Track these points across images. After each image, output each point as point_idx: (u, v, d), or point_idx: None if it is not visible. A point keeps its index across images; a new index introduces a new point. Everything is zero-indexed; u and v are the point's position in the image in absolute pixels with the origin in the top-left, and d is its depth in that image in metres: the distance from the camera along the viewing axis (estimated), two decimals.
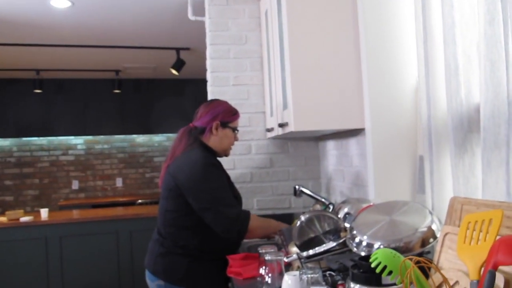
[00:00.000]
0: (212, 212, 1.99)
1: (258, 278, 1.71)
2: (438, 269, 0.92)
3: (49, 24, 4.25)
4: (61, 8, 3.82)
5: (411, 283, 0.92)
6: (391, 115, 2.10)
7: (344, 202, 2.00)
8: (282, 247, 1.94)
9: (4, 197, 6.69)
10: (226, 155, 2.28)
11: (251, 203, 2.95)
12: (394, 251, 1.02)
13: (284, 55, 2.27)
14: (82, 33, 4.59)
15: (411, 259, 0.94)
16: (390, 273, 0.99)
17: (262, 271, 1.69)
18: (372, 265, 1.01)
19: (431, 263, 0.97)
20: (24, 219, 4.31)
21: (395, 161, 2.10)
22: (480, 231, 1.00)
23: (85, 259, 4.39)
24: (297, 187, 2.37)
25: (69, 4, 3.72)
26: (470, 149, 1.64)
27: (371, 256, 1.03)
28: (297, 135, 2.63)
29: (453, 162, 1.67)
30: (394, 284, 1.12)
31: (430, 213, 1.48)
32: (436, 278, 1.14)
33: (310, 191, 2.34)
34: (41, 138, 6.81)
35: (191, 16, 3.49)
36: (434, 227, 1.41)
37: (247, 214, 2.05)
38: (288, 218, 2.80)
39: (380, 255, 1.00)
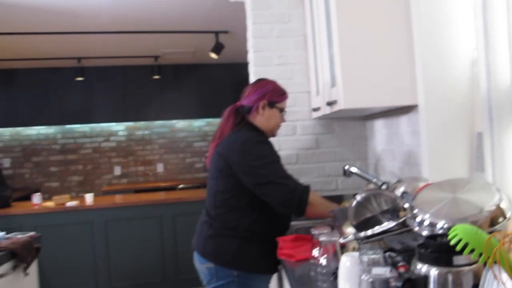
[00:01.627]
0: (270, 185, 1.94)
1: (311, 260, 1.66)
2: None
3: (88, 12, 4.27)
4: None
5: (495, 262, 0.85)
6: (446, 90, 2.00)
7: (399, 182, 1.92)
8: (334, 228, 1.88)
9: (50, 183, 6.87)
10: (273, 135, 2.23)
11: None
12: (475, 227, 0.95)
13: (331, 31, 2.19)
14: (120, 20, 4.60)
15: (496, 236, 0.87)
16: (472, 251, 0.92)
17: (315, 252, 1.64)
18: (452, 242, 0.94)
19: None
20: (71, 203, 4.41)
21: (450, 138, 2.00)
22: None
23: (130, 242, 4.47)
24: (346, 167, 2.30)
25: None
26: None
27: (449, 232, 0.96)
28: (345, 114, 2.56)
29: None
30: (467, 265, 1.05)
31: (498, 190, 1.39)
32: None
33: (360, 170, 2.27)
34: (83, 125, 6.93)
35: None
36: (503, 205, 1.32)
37: (306, 186, 2.00)
38: (336, 200, 2.72)
39: (461, 231, 0.93)
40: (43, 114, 6.58)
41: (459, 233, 0.93)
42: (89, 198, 4.55)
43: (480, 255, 0.90)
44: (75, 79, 6.25)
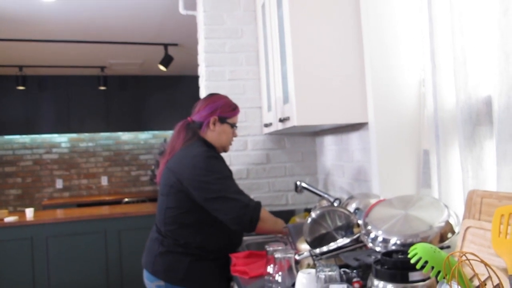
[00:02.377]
0: (222, 200, 1.92)
1: (265, 277, 1.66)
2: (486, 263, 0.88)
3: (34, 19, 4.14)
4: (47, 2, 3.72)
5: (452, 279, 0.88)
6: (395, 108, 2.07)
7: (351, 198, 1.96)
8: (287, 244, 1.89)
9: None
10: (225, 150, 2.22)
11: None
12: (434, 246, 0.98)
13: (285, 49, 2.22)
14: (67, 28, 4.48)
15: (458, 255, 0.90)
16: (431, 268, 0.95)
17: (270, 269, 1.64)
18: (412, 260, 0.97)
19: (479, 258, 0.92)
20: (9, 219, 4.19)
21: (399, 155, 2.07)
22: None
23: (72, 259, 4.29)
24: (298, 183, 2.33)
25: None
26: (479, 142, 1.62)
27: (409, 251, 0.99)
28: (296, 130, 2.59)
29: (462, 155, 1.64)
30: (421, 281, 1.08)
31: (446, 207, 1.45)
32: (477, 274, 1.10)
33: (312, 186, 2.30)
34: (23, 136, 6.65)
35: (182, 10, 3.42)
36: (452, 221, 1.38)
37: (258, 202, 1.99)
38: (286, 215, 2.76)
39: (420, 250, 0.96)
40: None
41: (418, 252, 0.96)
42: (29, 213, 4.36)
43: (438, 272, 0.93)
44: (16, 88, 6.00)
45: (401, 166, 2.07)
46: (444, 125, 1.78)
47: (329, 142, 2.74)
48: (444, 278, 0.90)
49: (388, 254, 1.17)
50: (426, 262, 0.94)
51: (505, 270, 0.98)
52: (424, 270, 0.94)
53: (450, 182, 1.78)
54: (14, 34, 4.59)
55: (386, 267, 1.14)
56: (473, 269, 0.98)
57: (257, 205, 1.97)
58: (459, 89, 1.64)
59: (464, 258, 0.88)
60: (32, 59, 5.66)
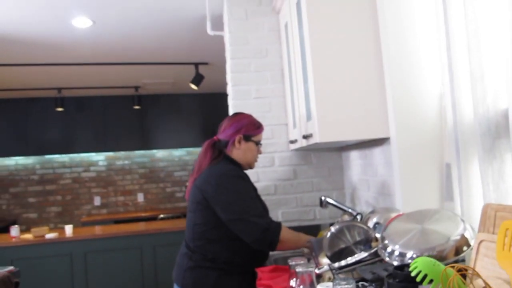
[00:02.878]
0: (243, 223, 2.00)
1: None
2: (481, 276, 0.91)
3: (70, 44, 4.34)
4: (82, 28, 3.90)
5: None
6: (416, 123, 2.09)
7: (372, 212, 1.99)
8: (311, 258, 1.94)
9: (28, 214, 6.79)
10: (251, 167, 2.28)
11: (276, 215, 2.95)
12: (434, 260, 1.02)
13: (306, 67, 2.29)
14: (102, 51, 4.68)
15: (453, 267, 0.93)
16: (431, 281, 0.98)
17: (292, 283, 1.68)
18: (412, 274, 1.01)
19: (474, 271, 0.96)
20: (49, 235, 4.37)
21: (421, 169, 2.09)
22: None
23: (110, 274, 4.43)
24: (323, 198, 2.37)
25: (90, 23, 3.80)
26: (499, 155, 1.63)
27: (410, 265, 1.03)
28: (321, 146, 2.63)
29: (482, 168, 1.65)
30: None
31: (462, 220, 1.47)
32: (474, 286, 1.13)
33: (336, 201, 2.34)
34: (63, 155, 6.91)
35: (209, 31, 3.53)
36: (467, 234, 1.39)
37: (278, 224, 2.05)
38: (314, 230, 2.79)
39: (420, 263, 1.00)
40: (22, 144, 6.56)
41: (418, 265, 1.00)
42: (68, 229, 4.53)
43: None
44: (55, 109, 6.25)
45: (423, 180, 2.08)
46: (464, 139, 1.79)
47: (354, 157, 2.78)
48: None
49: (400, 267, 1.21)
50: (426, 275, 0.98)
51: None
52: (424, 283, 0.98)
53: (471, 196, 1.78)
54: (52, 59, 4.81)
55: (397, 280, 1.18)
56: (484, 281, 1.01)
57: (277, 228, 2.03)
58: (477, 103, 1.66)
59: (460, 271, 0.91)
60: (69, 82, 5.90)
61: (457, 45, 1.79)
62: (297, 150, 2.95)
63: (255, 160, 2.28)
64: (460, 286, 0.91)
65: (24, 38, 4.08)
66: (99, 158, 7.05)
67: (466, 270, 0.92)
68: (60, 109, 6.24)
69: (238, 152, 2.20)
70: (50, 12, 3.53)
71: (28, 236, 4.39)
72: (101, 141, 6.76)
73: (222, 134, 2.24)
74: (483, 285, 0.98)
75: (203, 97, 6.85)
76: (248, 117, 2.26)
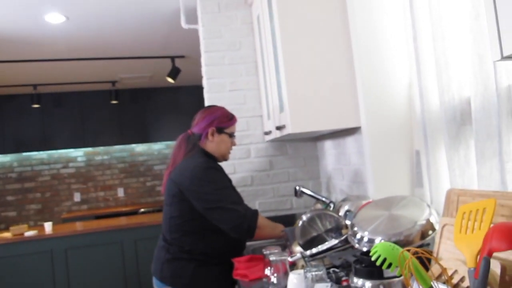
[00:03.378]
0: (220, 210, 2.02)
1: (264, 279, 1.75)
2: (436, 259, 0.96)
3: (45, 40, 4.29)
4: (56, 24, 3.86)
5: (411, 274, 0.96)
6: (386, 112, 2.13)
7: (344, 200, 2.03)
8: (286, 248, 1.98)
9: (6, 212, 6.72)
10: (225, 159, 2.31)
11: (253, 206, 2.99)
12: (393, 244, 1.06)
13: (277, 59, 2.31)
14: (77, 47, 4.63)
15: (409, 250, 0.98)
16: (390, 265, 1.02)
17: (267, 271, 1.72)
18: (372, 258, 1.05)
19: (429, 253, 1.00)
20: (29, 233, 4.34)
21: (392, 157, 2.14)
22: (475, 220, 1.04)
23: (91, 270, 4.42)
24: (297, 187, 2.41)
25: (63, 19, 3.77)
26: (465, 141, 1.68)
27: (371, 250, 1.07)
28: (295, 136, 2.67)
29: (448, 154, 1.71)
30: (395, 277, 1.16)
31: (428, 206, 1.52)
32: (435, 269, 1.18)
33: (310, 191, 2.38)
34: (41, 152, 6.85)
35: (184, 25, 3.53)
36: (432, 219, 1.44)
37: (255, 211, 2.09)
38: (291, 219, 2.84)
39: (380, 248, 1.04)
40: None
41: (378, 250, 1.04)
42: (48, 226, 4.50)
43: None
44: (32, 106, 6.19)
45: (394, 167, 2.13)
46: (431, 126, 1.84)
47: (328, 146, 2.82)
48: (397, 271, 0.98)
49: (366, 253, 1.25)
50: (385, 259, 1.02)
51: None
52: (384, 267, 1.02)
53: (439, 181, 1.84)
54: (26, 55, 4.76)
55: (364, 265, 1.22)
56: (439, 265, 1.05)
57: (254, 214, 2.06)
58: (443, 91, 1.71)
59: (415, 253, 0.95)
60: (45, 78, 5.84)
61: (423, 35, 1.83)
62: (272, 141, 2.99)
63: (229, 152, 2.31)
64: (417, 269, 0.96)
65: None
66: (78, 154, 7.01)
67: (422, 253, 0.96)
68: (36, 105, 6.17)
69: (212, 144, 2.22)
70: (23, 8, 3.49)
71: (6, 234, 4.36)
72: (79, 136, 6.71)
73: (196, 127, 2.26)
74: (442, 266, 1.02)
75: (180, 90, 6.83)
76: (221, 110, 2.29)
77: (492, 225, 0.97)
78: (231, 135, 2.28)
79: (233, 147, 2.33)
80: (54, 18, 3.74)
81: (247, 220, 2.02)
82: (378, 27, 2.15)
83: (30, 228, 4.66)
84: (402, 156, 2.14)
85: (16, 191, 6.78)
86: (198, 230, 2.10)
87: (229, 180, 2.19)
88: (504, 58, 0.85)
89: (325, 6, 2.23)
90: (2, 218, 6.64)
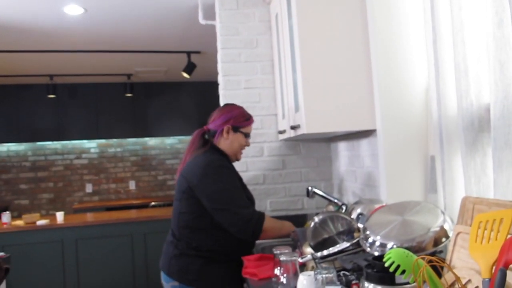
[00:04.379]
0: (226, 213, 2.03)
1: (273, 279, 1.74)
2: (450, 268, 0.95)
3: (63, 31, 4.32)
4: (74, 15, 3.89)
5: (424, 282, 0.95)
6: (402, 115, 2.12)
7: (357, 203, 2.02)
8: (296, 248, 1.97)
9: (19, 200, 6.79)
10: (237, 159, 2.30)
11: (264, 204, 2.98)
12: (407, 251, 1.05)
13: (295, 58, 2.30)
14: (94, 39, 4.66)
15: (423, 258, 0.96)
16: (403, 272, 1.01)
17: (277, 271, 1.72)
18: (386, 265, 1.04)
19: (443, 262, 0.99)
20: (41, 222, 4.39)
21: (406, 161, 2.12)
22: (492, 230, 1.02)
23: (101, 261, 4.46)
24: (309, 188, 2.40)
25: (82, 11, 3.78)
26: (481, 148, 1.65)
27: (384, 255, 1.06)
28: (309, 136, 2.66)
29: (464, 161, 1.68)
30: (407, 283, 1.15)
31: (442, 212, 1.50)
32: (448, 277, 1.16)
33: (323, 192, 2.37)
34: (55, 142, 6.91)
35: (201, 20, 3.53)
36: (446, 226, 1.43)
37: (261, 214, 2.08)
38: (301, 219, 2.83)
39: (393, 254, 1.03)
40: (14, 131, 6.55)
41: (392, 256, 1.03)
42: (59, 216, 4.54)
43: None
44: (47, 96, 6.24)
45: (408, 172, 2.11)
46: (448, 132, 1.82)
47: (342, 148, 2.81)
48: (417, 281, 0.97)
49: (379, 258, 1.24)
50: (398, 265, 1.01)
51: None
52: (397, 273, 1.01)
53: (454, 188, 1.82)
54: (44, 46, 4.79)
55: (375, 270, 1.21)
56: (454, 274, 1.04)
57: (260, 219, 2.06)
58: (461, 97, 1.69)
59: (429, 262, 0.94)
60: (62, 69, 5.88)
61: (443, 39, 1.81)
62: (286, 140, 2.98)
63: (241, 152, 2.29)
64: (431, 277, 0.95)
65: (16, 25, 4.06)
66: (91, 145, 7.05)
67: (436, 261, 0.95)
68: (52, 96, 6.22)
69: (226, 142, 2.22)
70: None
71: (19, 222, 4.40)
72: (93, 128, 6.76)
73: (212, 124, 2.26)
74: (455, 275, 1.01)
75: (195, 86, 6.84)
76: (239, 109, 2.28)
77: (509, 236, 0.96)
78: (246, 135, 2.27)
79: (246, 147, 2.32)
80: (73, 10, 3.76)
81: (252, 225, 2.03)
82: (398, 29, 2.12)
83: (42, 217, 4.70)
84: (416, 161, 2.12)
85: (30, 180, 6.85)
86: (207, 227, 2.10)
87: (240, 179, 2.19)
88: None
89: (345, 6, 2.21)
90: (15, 206, 6.71)
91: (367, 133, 2.32)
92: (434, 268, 1.06)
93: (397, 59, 2.12)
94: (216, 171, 2.09)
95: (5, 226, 4.33)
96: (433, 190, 2.06)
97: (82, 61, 5.56)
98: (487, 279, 0.94)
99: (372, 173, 2.30)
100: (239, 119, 2.24)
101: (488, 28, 1.49)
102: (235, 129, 2.22)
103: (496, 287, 0.88)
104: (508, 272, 0.92)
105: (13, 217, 4.67)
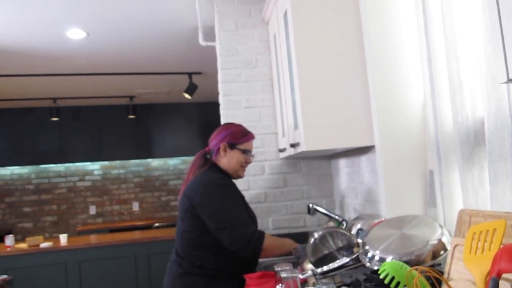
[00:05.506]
0: (227, 232, 2.04)
1: None
2: (444, 278, 0.96)
3: (65, 55, 4.39)
4: (77, 39, 3.96)
5: None
6: (400, 131, 2.14)
7: (356, 219, 2.03)
8: (298, 265, 1.98)
9: (23, 223, 6.81)
10: (240, 176, 2.29)
11: (266, 222, 3.00)
12: (401, 263, 1.07)
13: (293, 77, 2.34)
14: (97, 62, 4.73)
15: (416, 269, 0.98)
16: (398, 284, 1.03)
17: None
18: (381, 277, 1.05)
19: (437, 272, 1.01)
20: (44, 245, 4.39)
21: (405, 176, 2.14)
22: (485, 241, 1.04)
23: (104, 283, 4.45)
24: (310, 205, 2.42)
25: (84, 35, 3.85)
26: (478, 161, 1.67)
27: (379, 268, 1.08)
28: (309, 154, 2.68)
29: (461, 175, 1.70)
30: None
31: (440, 226, 1.51)
32: None
33: (324, 208, 2.39)
34: (58, 165, 6.94)
35: (202, 42, 3.59)
36: (444, 239, 1.44)
37: (261, 234, 2.09)
38: (304, 237, 2.84)
39: (388, 266, 1.05)
40: (17, 154, 6.59)
41: (387, 268, 1.04)
42: (63, 238, 4.55)
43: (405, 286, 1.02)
44: (50, 119, 6.30)
45: (407, 187, 2.13)
46: (445, 146, 1.84)
47: (342, 164, 2.82)
48: None
49: (376, 272, 1.25)
50: (393, 277, 1.02)
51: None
52: (392, 285, 1.02)
53: (453, 202, 1.83)
54: (48, 70, 4.87)
55: (373, 283, 1.22)
56: (448, 285, 1.05)
57: (260, 238, 2.07)
58: (456, 112, 1.71)
59: (422, 272, 0.96)
60: (64, 92, 5.95)
61: (437, 55, 1.84)
62: (286, 158, 3.00)
63: (242, 169, 2.28)
64: (424, 286, 0.96)
65: (20, 49, 4.13)
66: (95, 167, 7.09)
67: (429, 271, 0.96)
68: (55, 118, 6.28)
69: (224, 160, 2.24)
70: (45, 24, 3.58)
71: (23, 245, 4.41)
72: (96, 150, 6.80)
73: (211, 143, 2.28)
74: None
75: (197, 106, 6.90)
76: (236, 126, 2.31)
77: (502, 245, 0.97)
78: (245, 152, 2.26)
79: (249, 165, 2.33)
80: (75, 34, 3.83)
81: (252, 245, 2.04)
82: (393, 47, 2.16)
83: (46, 239, 4.71)
84: (415, 176, 2.14)
85: (33, 202, 6.87)
86: (210, 245, 2.11)
87: (242, 197, 2.21)
88: (510, 80, 0.86)
89: (341, 26, 2.25)
90: (18, 229, 6.72)
91: (366, 150, 2.34)
92: (432, 282, 1.07)
93: (393, 76, 2.15)
94: (217, 189, 2.11)
95: (8, 249, 4.34)
96: (433, 204, 2.07)
97: (84, 84, 5.63)
98: None
99: (372, 188, 2.32)
100: (236, 136, 2.25)
101: (479, 43, 1.52)
102: (232, 146, 2.24)
103: None
104: (501, 281, 0.93)
105: (17, 240, 4.68)
